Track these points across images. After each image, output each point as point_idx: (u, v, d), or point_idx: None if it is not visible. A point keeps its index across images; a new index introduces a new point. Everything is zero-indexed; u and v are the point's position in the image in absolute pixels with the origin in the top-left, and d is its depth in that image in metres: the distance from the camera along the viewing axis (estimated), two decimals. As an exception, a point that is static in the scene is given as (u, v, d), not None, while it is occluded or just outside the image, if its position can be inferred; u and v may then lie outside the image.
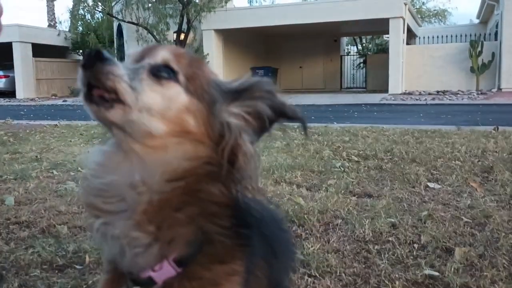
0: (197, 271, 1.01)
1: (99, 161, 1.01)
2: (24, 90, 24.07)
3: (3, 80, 24.43)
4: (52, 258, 2.43)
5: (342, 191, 3.75)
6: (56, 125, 9.38)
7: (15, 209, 3.31)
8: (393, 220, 2.99)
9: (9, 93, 24.30)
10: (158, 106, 0.95)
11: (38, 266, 2.36)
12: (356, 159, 5.12)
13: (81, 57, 25.35)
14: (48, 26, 31.48)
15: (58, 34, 27.03)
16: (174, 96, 0.97)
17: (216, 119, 0.99)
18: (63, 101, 21.10)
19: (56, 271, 2.32)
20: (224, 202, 0.99)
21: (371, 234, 2.75)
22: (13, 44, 23.26)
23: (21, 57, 23.89)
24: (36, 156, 5.52)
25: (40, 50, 24.73)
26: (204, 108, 0.99)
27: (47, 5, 33.87)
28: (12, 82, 24.23)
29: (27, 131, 8.39)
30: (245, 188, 1.00)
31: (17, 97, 23.84)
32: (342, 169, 4.62)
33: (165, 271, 1.00)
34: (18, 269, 2.33)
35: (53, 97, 24.46)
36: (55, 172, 4.62)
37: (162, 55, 1.01)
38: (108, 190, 0.97)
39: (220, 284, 1.02)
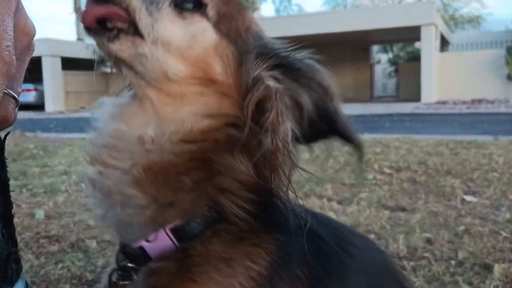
0: (200, 249, 0.80)
1: (111, 112, 0.89)
2: (53, 103, 24.66)
3: (33, 93, 25.10)
4: (81, 273, 2.44)
5: (375, 205, 3.67)
6: (84, 138, 9.55)
7: (45, 223, 3.35)
8: (428, 235, 2.91)
9: (39, 106, 24.95)
10: (178, 41, 0.79)
11: (67, 281, 2.37)
12: (388, 171, 5.01)
13: (109, 70, 25.96)
14: (77, 39, 32.30)
15: (87, 47, 27.74)
16: (199, 32, 0.81)
17: (249, 73, 0.81)
18: (92, 113, 21.53)
19: (86, 286, 2.33)
20: (250, 183, 0.80)
21: (405, 250, 2.67)
22: (42, 58, 23.88)
23: (51, 70, 24.52)
24: (65, 170, 5.62)
25: (69, 63, 25.35)
26: (237, 55, 0.82)
27: (76, 19, 34.79)
28: (41, 95, 24.87)
29: (56, 144, 8.56)
30: (280, 181, 0.82)
31: (46, 110, 24.42)
32: (374, 181, 4.53)
33: (161, 243, 0.81)
34: (48, 283, 2.34)
35: (82, 109, 25.02)
36: (83, 186, 4.67)
37: None
38: (115, 143, 0.83)
39: (227, 270, 0.79)
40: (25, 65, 0.65)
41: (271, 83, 0.80)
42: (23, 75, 0.65)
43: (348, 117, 0.85)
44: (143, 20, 0.77)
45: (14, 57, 0.54)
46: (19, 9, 0.59)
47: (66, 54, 25.25)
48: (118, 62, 0.82)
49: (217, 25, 0.82)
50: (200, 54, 0.80)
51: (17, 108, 0.62)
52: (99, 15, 0.76)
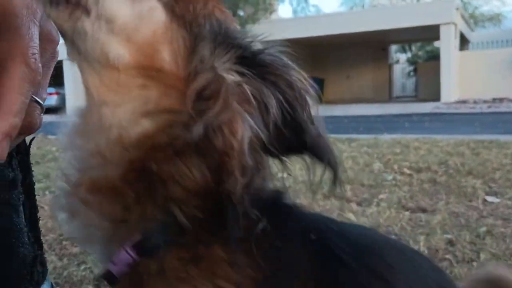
0: (154, 266, 0.71)
1: (68, 130, 0.81)
2: (74, 106, 25.00)
3: (55, 97, 25.48)
4: (103, 274, 2.47)
5: (395, 206, 3.63)
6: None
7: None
8: (449, 236, 2.87)
9: (60, 109, 25.31)
10: (124, 20, 0.68)
11: (90, 282, 2.40)
12: (408, 171, 4.96)
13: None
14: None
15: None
16: (146, 11, 0.70)
17: (203, 63, 0.69)
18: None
19: (107, 288, 2.35)
20: (200, 189, 0.69)
21: (426, 251, 2.64)
22: (63, 62, 24.17)
23: (71, 74, 24.86)
24: (88, 171, 5.69)
25: (88, 68, 25.66)
26: (188, 41, 0.70)
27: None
28: (63, 98, 25.26)
29: (81, 146, 8.66)
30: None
31: (67, 113, 24.73)
32: (394, 182, 4.48)
33: (123, 261, 0.73)
34: (71, 285, 2.38)
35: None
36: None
37: None
38: (68, 157, 0.78)
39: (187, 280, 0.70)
40: (50, 72, 0.67)
41: (225, 74, 0.68)
42: (48, 81, 0.66)
43: (324, 129, 0.71)
44: None
45: (40, 64, 0.55)
46: (44, 17, 0.61)
47: (86, 56, 25.54)
48: (62, 34, 0.70)
49: (168, 5, 0.71)
50: (147, 37, 0.69)
51: (42, 114, 0.64)
52: None
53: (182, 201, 0.70)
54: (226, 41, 0.71)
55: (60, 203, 0.77)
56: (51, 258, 2.66)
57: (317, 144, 0.71)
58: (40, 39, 0.58)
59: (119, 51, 0.68)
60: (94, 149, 0.72)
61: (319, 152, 0.71)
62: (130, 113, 0.69)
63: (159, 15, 0.70)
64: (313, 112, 0.70)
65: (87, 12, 0.67)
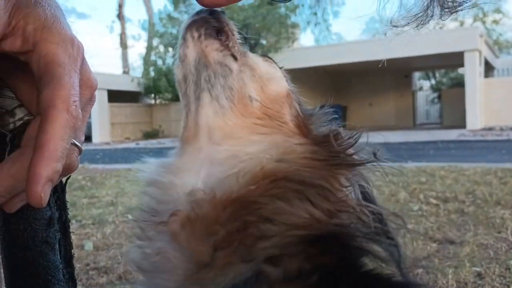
0: None
1: (158, 168, 0.80)
2: (100, 134, 25.42)
3: (83, 127, 26.01)
4: (129, 305, 2.48)
5: (422, 237, 3.58)
6: (129, 168, 9.79)
7: (94, 254, 3.44)
8: (478, 269, 2.82)
9: (86, 137, 25.71)
10: (263, 72, 0.81)
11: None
12: (434, 201, 4.89)
13: (153, 101, 26.39)
14: (122, 72, 33.40)
15: (132, 80, 28.55)
16: (276, 74, 0.84)
17: (312, 126, 0.81)
18: (136, 144, 22.10)
19: (133, 318, 2.36)
20: (309, 225, 0.67)
21: (455, 285, 2.60)
22: (90, 93, 24.80)
23: (98, 103, 25.25)
24: (112, 201, 5.77)
25: (114, 96, 26.20)
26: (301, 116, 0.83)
27: (122, 53, 36.01)
28: (89, 127, 25.70)
29: (103, 175, 8.82)
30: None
31: (93, 141, 25.15)
32: (420, 212, 4.43)
33: None
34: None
35: (126, 140, 25.65)
36: (129, 217, 4.78)
37: None
38: (161, 199, 0.75)
39: None
40: (88, 115, 0.69)
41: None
42: (85, 124, 0.69)
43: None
44: (235, 47, 0.80)
45: (80, 110, 0.58)
46: (83, 64, 0.64)
47: (112, 87, 26.17)
48: (201, 65, 0.78)
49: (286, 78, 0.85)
50: (276, 93, 0.80)
51: (79, 156, 0.66)
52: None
53: (275, 245, 0.65)
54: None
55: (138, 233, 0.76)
56: (78, 288, 2.69)
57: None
58: (79, 86, 0.61)
59: (256, 94, 0.78)
60: (193, 188, 0.72)
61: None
62: (256, 152, 0.73)
63: (284, 83, 0.83)
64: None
65: (235, 58, 0.79)
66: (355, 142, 0.79)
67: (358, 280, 0.65)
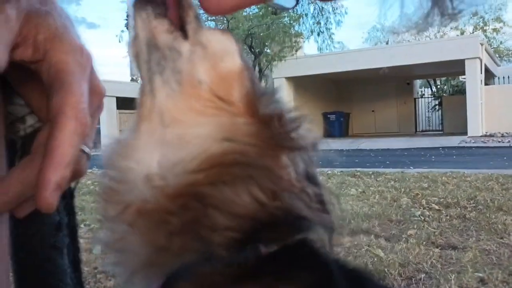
0: None
1: (114, 148, 0.81)
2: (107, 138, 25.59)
3: (90, 130, 26.17)
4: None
5: (424, 242, 3.59)
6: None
7: (102, 258, 3.45)
8: (481, 274, 2.82)
9: (95, 144, 25.78)
10: (214, 49, 0.77)
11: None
12: (436, 207, 4.90)
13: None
14: (131, 80, 33.50)
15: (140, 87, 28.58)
16: (232, 49, 0.80)
17: (261, 105, 0.77)
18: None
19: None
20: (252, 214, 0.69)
21: (457, 290, 2.59)
22: (99, 98, 25.04)
23: (106, 110, 25.46)
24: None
25: (123, 102, 26.28)
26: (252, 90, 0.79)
27: (130, 61, 36.17)
28: (98, 133, 25.66)
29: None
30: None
31: (101, 147, 25.28)
32: (422, 218, 4.43)
33: None
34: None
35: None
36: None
37: None
38: (117, 184, 0.77)
39: None
40: (96, 121, 0.71)
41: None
42: (94, 131, 0.71)
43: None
44: (191, 23, 0.77)
45: (88, 117, 0.60)
46: (92, 72, 0.66)
47: (121, 94, 26.27)
48: (151, 46, 0.77)
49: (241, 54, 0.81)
50: (227, 70, 0.77)
51: (88, 161, 0.68)
52: None
53: (225, 230, 0.69)
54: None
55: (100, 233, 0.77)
56: (84, 292, 2.70)
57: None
58: (88, 94, 0.62)
59: (205, 76, 0.75)
60: (148, 171, 0.73)
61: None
62: (205, 135, 0.73)
63: (237, 60, 0.78)
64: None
65: (185, 36, 0.75)
66: (297, 127, 0.76)
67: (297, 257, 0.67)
